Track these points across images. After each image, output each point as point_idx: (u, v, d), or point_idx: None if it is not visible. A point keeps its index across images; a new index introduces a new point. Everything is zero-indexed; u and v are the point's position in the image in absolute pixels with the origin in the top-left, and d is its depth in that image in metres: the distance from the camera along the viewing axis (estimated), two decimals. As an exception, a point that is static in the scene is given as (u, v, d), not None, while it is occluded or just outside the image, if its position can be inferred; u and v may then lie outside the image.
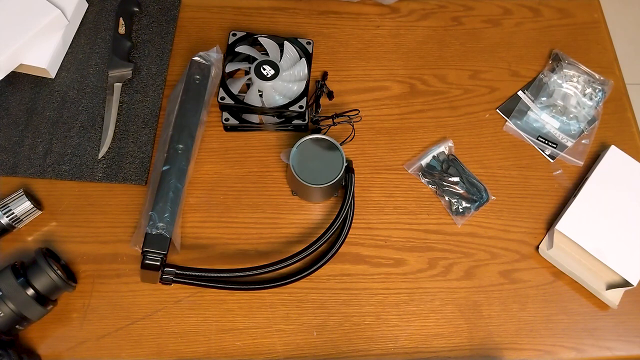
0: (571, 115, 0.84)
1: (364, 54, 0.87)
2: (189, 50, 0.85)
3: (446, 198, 0.78)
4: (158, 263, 0.66)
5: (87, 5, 0.86)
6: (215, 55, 0.78)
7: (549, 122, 0.83)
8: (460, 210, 0.77)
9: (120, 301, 0.71)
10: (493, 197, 0.79)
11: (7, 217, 0.70)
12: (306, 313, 0.72)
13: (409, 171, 0.80)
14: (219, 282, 0.70)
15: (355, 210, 0.75)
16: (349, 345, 0.71)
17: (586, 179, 0.78)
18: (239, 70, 0.82)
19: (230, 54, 0.80)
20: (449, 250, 0.76)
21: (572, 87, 0.85)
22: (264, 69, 0.77)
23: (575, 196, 0.77)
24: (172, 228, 0.68)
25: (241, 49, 0.79)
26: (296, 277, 0.70)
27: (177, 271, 0.67)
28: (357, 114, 0.81)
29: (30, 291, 0.65)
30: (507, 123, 0.83)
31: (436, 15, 0.90)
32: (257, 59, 0.78)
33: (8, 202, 0.70)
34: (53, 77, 0.82)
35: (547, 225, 0.78)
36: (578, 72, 0.86)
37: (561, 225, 0.74)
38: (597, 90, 0.85)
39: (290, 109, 0.76)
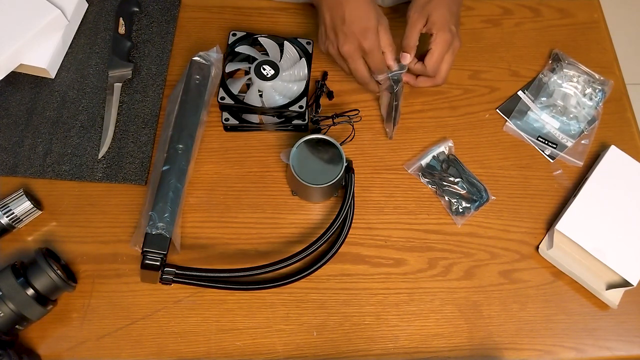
0: (571, 115, 0.84)
1: (364, 54, 0.87)
2: (189, 50, 0.85)
3: (446, 198, 0.78)
4: (158, 263, 0.66)
5: (87, 5, 0.86)
6: (215, 55, 0.78)
7: (549, 122, 0.83)
8: (460, 210, 0.77)
9: (120, 301, 0.71)
10: (493, 197, 0.79)
11: (7, 217, 0.70)
12: (306, 313, 0.72)
13: (409, 171, 0.80)
14: (219, 282, 0.70)
15: (355, 210, 0.75)
16: (349, 345, 0.71)
17: (586, 179, 0.78)
18: (239, 70, 0.82)
19: (230, 54, 0.80)
20: (449, 250, 0.76)
21: (572, 87, 0.85)
22: (264, 69, 0.77)
23: (575, 196, 0.77)
24: (172, 228, 0.68)
25: (241, 49, 0.79)
26: (296, 277, 0.70)
27: (177, 271, 0.67)
28: (357, 114, 0.81)
29: (30, 291, 0.65)
30: (507, 123, 0.83)
31: (436, 15, 0.90)
32: (257, 59, 0.78)
33: (8, 202, 0.70)
34: (53, 77, 0.82)
35: (547, 225, 0.78)
36: (578, 72, 0.86)
37: (561, 225, 0.74)
38: (597, 90, 0.85)
39: (290, 109, 0.76)
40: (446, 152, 0.81)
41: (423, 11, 0.73)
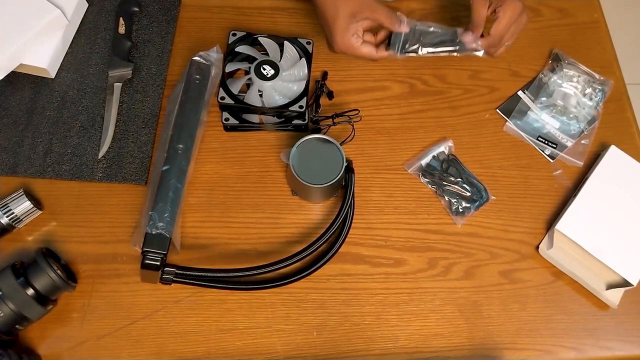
0: (571, 115, 0.84)
1: (364, 54, 0.87)
2: (189, 50, 0.85)
3: (446, 198, 0.78)
4: (158, 263, 0.66)
5: (87, 5, 0.86)
6: (215, 55, 0.78)
7: (549, 122, 0.83)
8: (460, 210, 0.77)
9: (120, 301, 0.71)
10: (493, 197, 0.79)
11: (7, 217, 0.70)
12: (306, 313, 0.72)
13: (409, 171, 0.80)
14: (219, 282, 0.70)
15: (355, 210, 0.75)
16: (349, 345, 0.71)
17: (586, 179, 0.78)
18: (239, 70, 0.82)
19: (230, 54, 0.80)
20: (449, 250, 0.76)
21: (572, 87, 0.85)
22: (264, 69, 0.77)
23: (575, 196, 0.77)
24: (172, 228, 0.68)
25: (241, 49, 0.80)
26: (296, 277, 0.70)
27: (177, 271, 0.67)
28: (357, 114, 0.81)
29: (30, 291, 0.65)
30: (507, 123, 0.83)
31: (436, 15, 0.90)
32: (257, 59, 0.78)
33: (8, 202, 0.70)
34: (53, 77, 0.82)
35: (547, 225, 0.78)
36: (578, 72, 0.86)
37: (561, 225, 0.74)
38: (597, 90, 0.85)
39: (290, 109, 0.76)
40: (446, 152, 0.81)
41: None
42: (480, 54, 0.74)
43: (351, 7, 0.70)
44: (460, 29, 0.74)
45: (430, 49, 0.74)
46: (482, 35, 0.74)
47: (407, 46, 0.73)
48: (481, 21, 0.72)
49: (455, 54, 0.75)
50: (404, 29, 0.71)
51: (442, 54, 0.75)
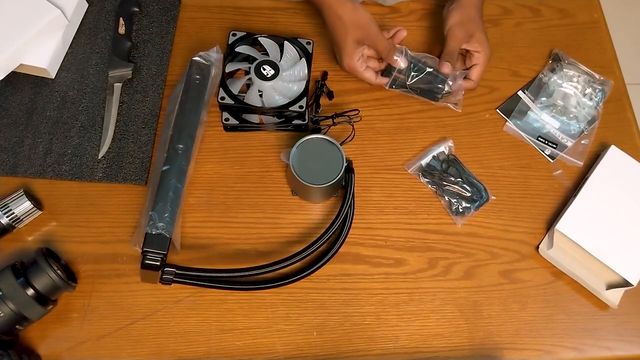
0: (571, 115, 0.84)
1: (364, 54, 0.87)
2: (189, 50, 0.85)
3: (446, 198, 0.78)
4: (158, 263, 0.66)
5: (87, 5, 0.87)
6: (215, 55, 0.78)
7: (549, 122, 0.83)
8: (460, 210, 0.77)
9: (120, 301, 0.71)
10: (493, 197, 0.79)
11: (7, 217, 0.70)
12: (306, 313, 0.72)
13: (409, 171, 0.80)
14: (219, 282, 0.70)
15: (355, 210, 0.75)
16: (349, 345, 0.71)
17: (586, 179, 0.78)
18: (239, 70, 0.82)
19: (230, 54, 0.80)
20: (449, 250, 0.76)
21: (572, 87, 0.85)
22: (264, 69, 0.77)
23: (575, 196, 0.77)
24: (172, 228, 0.68)
25: (241, 49, 0.80)
26: (296, 277, 0.70)
27: (177, 271, 0.67)
28: (357, 114, 0.81)
29: (30, 291, 0.65)
30: (507, 123, 0.83)
31: (436, 15, 0.90)
32: (257, 59, 0.78)
33: (8, 202, 0.70)
34: (53, 77, 0.82)
35: (547, 225, 0.78)
36: (578, 72, 0.86)
37: (561, 225, 0.74)
38: (597, 90, 0.85)
39: (290, 109, 0.76)
40: (446, 152, 0.81)
41: (466, 29, 0.79)
42: (457, 109, 0.83)
43: (358, 35, 0.78)
44: (446, 74, 0.79)
45: (416, 92, 0.81)
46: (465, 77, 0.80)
47: (395, 85, 0.81)
48: (455, 51, 0.79)
49: (434, 102, 0.82)
50: (399, 64, 0.78)
51: (423, 98, 0.82)
